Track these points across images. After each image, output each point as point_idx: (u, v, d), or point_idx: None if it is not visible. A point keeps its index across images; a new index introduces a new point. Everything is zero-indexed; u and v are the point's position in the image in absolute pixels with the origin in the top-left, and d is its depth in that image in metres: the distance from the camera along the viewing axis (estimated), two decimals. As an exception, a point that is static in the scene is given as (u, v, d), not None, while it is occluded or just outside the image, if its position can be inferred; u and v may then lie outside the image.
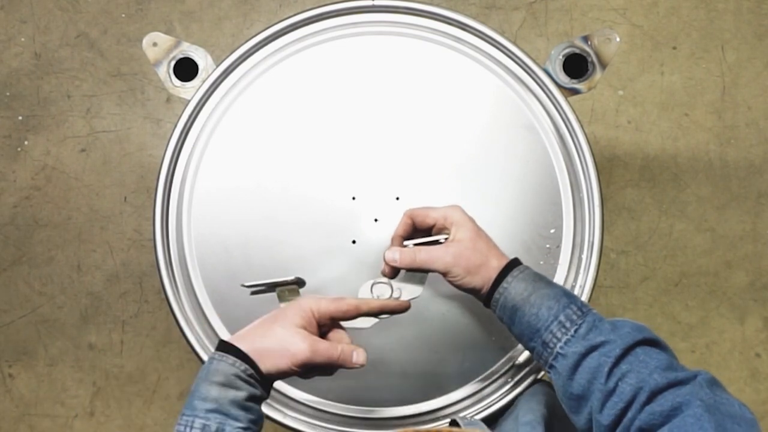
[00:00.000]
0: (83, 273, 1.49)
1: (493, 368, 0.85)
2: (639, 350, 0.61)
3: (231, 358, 0.62)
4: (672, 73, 1.54)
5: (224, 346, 0.63)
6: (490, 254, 0.71)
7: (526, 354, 0.85)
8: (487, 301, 0.72)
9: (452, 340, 0.85)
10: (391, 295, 0.73)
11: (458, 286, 0.72)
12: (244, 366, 0.62)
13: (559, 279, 0.86)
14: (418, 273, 0.74)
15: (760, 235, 1.51)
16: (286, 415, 0.84)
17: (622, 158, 1.52)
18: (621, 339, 0.62)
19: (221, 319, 0.86)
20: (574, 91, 0.90)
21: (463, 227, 0.72)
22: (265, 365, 0.63)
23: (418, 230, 0.75)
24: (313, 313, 0.66)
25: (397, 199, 0.86)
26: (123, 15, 1.54)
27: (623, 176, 1.52)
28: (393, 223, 0.86)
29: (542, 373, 0.84)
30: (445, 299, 0.85)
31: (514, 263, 0.71)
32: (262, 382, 0.64)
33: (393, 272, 0.74)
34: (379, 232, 0.86)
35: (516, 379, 0.85)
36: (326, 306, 0.67)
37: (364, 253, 0.85)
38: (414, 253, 0.72)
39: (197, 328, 0.86)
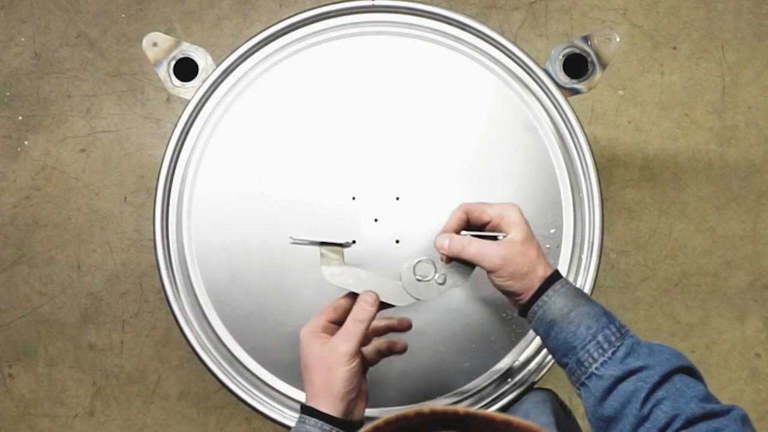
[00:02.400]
0: (83, 273, 1.49)
1: (494, 368, 0.85)
2: (676, 378, 0.61)
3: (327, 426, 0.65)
4: (672, 73, 1.54)
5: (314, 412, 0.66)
6: (538, 262, 0.69)
7: (526, 354, 0.85)
8: (523, 312, 0.71)
9: (453, 340, 0.85)
10: (432, 278, 0.71)
11: (498, 286, 0.70)
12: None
13: (559, 279, 0.86)
14: (463, 266, 0.72)
15: (760, 235, 1.51)
16: (285, 415, 0.84)
17: (622, 158, 1.52)
18: (660, 366, 0.61)
19: (221, 319, 0.86)
20: (574, 91, 0.90)
21: (518, 228, 0.70)
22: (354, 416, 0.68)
23: (472, 227, 0.74)
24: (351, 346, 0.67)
25: (397, 199, 0.86)
26: (123, 15, 1.54)
27: (623, 176, 1.52)
28: (393, 223, 0.86)
29: (542, 373, 0.84)
30: (446, 300, 0.85)
31: (557, 275, 0.70)
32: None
33: (445, 259, 0.73)
34: (379, 232, 0.86)
35: (516, 379, 0.85)
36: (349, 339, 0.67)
37: (365, 253, 0.85)
38: (465, 244, 0.70)
39: (197, 328, 0.86)
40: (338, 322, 0.70)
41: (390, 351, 0.75)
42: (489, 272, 0.70)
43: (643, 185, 1.51)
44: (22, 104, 1.52)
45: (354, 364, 0.65)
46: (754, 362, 1.49)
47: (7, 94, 1.53)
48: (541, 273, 0.69)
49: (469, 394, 0.85)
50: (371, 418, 0.84)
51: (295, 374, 0.83)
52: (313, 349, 0.66)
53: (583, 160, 0.87)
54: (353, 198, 0.86)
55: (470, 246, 0.69)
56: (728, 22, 1.54)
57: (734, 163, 1.52)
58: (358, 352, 0.67)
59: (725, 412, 0.58)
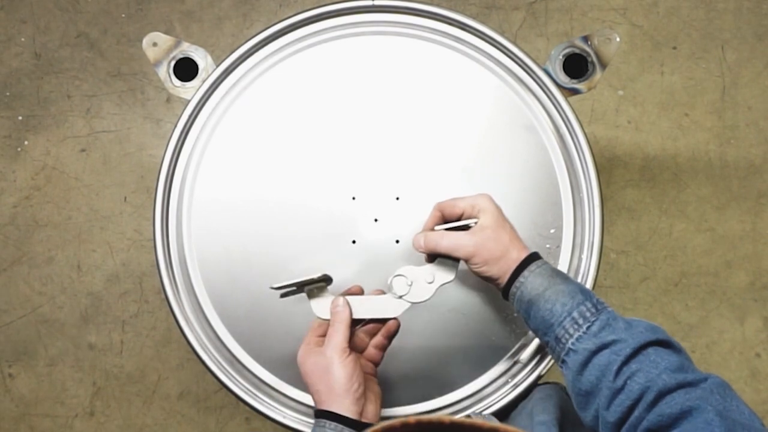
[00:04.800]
0: (83, 273, 1.49)
1: (494, 368, 0.85)
2: (651, 350, 0.61)
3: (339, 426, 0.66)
4: (672, 73, 1.54)
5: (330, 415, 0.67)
6: (511, 245, 0.71)
7: (527, 354, 0.85)
8: (505, 294, 0.72)
9: (453, 340, 0.85)
10: (420, 279, 0.74)
11: (477, 273, 0.73)
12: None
13: (559, 279, 0.86)
14: (449, 261, 0.75)
15: (760, 235, 1.51)
16: (285, 415, 0.84)
17: (622, 158, 1.52)
18: (633, 338, 0.62)
19: (221, 319, 0.86)
20: (574, 91, 0.89)
21: (488, 214, 0.73)
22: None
23: (448, 222, 0.76)
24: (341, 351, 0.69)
25: (397, 199, 0.86)
26: (123, 15, 1.54)
27: (623, 176, 1.52)
28: (393, 223, 0.86)
29: (545, 371, 0.84)
30: (446, 300, 0.85)
31: (533, 257, 0.71)
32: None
33: (427, 257, 0.76)
34: (379, 232, 0.86)
35: (516, 379, 0.85)
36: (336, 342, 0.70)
37: (364, 253, 0.85)
38: (438, 239, 0.73)
39: (197, 328, 0.86)
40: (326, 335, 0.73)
41: (388, 337, 0.76)
42: (465, 261, 0.72)
43: (643, 185, 1.51)
44: (22, 104, 1.52)
45: (347, 358, 0.68)
46: (754, 362, 1.49)
47: (7, 94, 1.53)
48: (515, 255, 0.71)
49: (469, 394, 0.85)
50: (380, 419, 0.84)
51: (295, 374, 0.83)
52: (310, 362, 0.69)
53: (583, 160, 0.87)
54: (353, 198, 0.86)
55: (443, 239, 0.72)
56: (728, 22, 1.55)
57: (734, 163, 1.52)
58: (349, 350, 0.69)
59: (700, 382, 0.58)
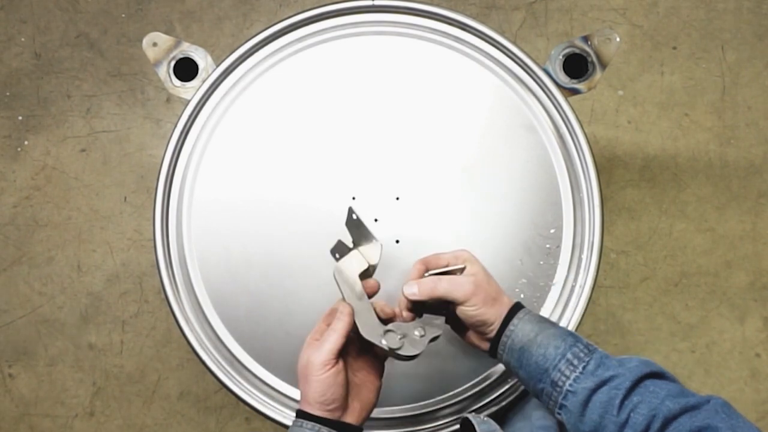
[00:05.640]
0: (83, 273, 1.49)
1: (493, 368, 0.85)
2: (648, 382, 0.62)
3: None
4: (672, 73, 1.54)
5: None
6: (501, 291, 0.73)
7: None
8: (493, 348, 0.72)
9: (453, 341, 0.85)
10: (411, 335, 0.71)
11: (471, 318, 0.71)
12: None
13: (559, 279, 0.86)
14: (435, 316, 0.73)
15: (760, 235, 1.51)
16: (285, 415, 0.84)
17: (622, 158, 1.52)
18: (629, 372, 0.62)
19: (221, 319, 0.86)
20: (574, 91, 0.90)
21: (473, 263, 0.73)
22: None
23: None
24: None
25: (397, 199, 0.86)
26: (123, 15, 1.54)
27: (623, 176, 1.52)
28: (393, 223, 0.86)
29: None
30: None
31: (519, 305, 0.72)
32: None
33: (413, 310, 0.73)
34: (379, 233, 0.86)
35: (515, 379, 0.85)
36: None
37: (364, 253, 0.85)
38: (435, 281, 0.71)
39: (197, 328, 0.86)
40: None
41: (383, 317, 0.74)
42: (461, 304, 0.70)
43: (643, 185, 1.51)
44: (22, 104, 1.52)
45: (328, 375, 0.66)
46: (754, 362, 1.49)
47: (7, 94, 1.53)
48: (507, 300, 0.72)
49: (469, 394, 0.85)
50: (371, 418, 0.84)
51: (295, 374, 0.83)
52: (303, 357, 0.68)
53: (583, 160, 0.87)
54: (353, 198, 0.86)
55: (440, 282, 0.71)
56: (728, 22, 1.55)
57: (734, 163, 1.52)
58: (333, 360, 0.66)
59: (702, 404, 0.58)
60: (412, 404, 0.85)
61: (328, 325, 0.70)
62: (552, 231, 0.87)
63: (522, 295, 0.85)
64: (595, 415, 0.62)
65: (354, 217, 0.72)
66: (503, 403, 0.84)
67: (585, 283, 0.85)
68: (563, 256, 0.86)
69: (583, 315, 0.85)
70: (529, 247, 0.86)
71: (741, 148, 1.52)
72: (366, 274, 0.73)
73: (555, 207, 0.87)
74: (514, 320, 0.70)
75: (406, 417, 0.85)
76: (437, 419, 0.85)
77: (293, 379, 0.85)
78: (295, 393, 0.85)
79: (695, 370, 1.49)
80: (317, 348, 0.67)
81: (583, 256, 0.86)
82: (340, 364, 0.67)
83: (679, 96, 1.53)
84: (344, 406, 0.68)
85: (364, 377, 0.71)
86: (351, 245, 0.73)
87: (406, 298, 0.72)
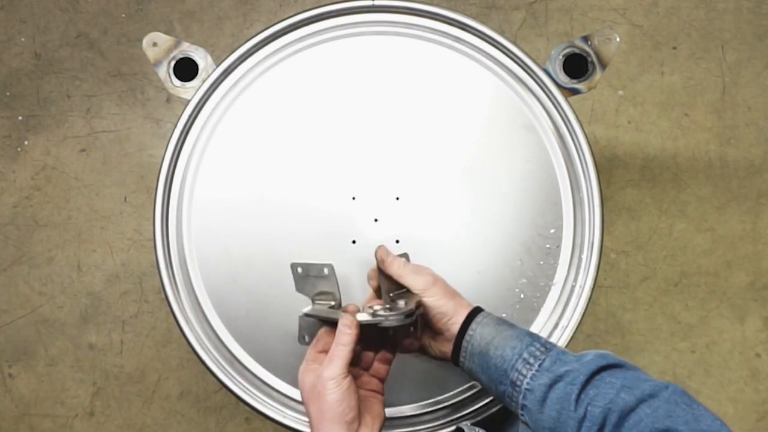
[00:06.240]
0: (83, 273, 1.49)
1: (493, 368, 0.85)
2: (604, 374, 0.61)
3: None
4: (672, 73, 1.54)
5: None
6: (460, 295, 0.75)
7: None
8: (455, 355, 0.72)
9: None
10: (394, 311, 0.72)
11: (432, 308, 0.72)
12: None
13: (559, 279, 0.86)
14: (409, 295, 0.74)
15: (760, 235, 1.51)
16: (285, 415, 0.84)
17: (622, 158, 1.52)
18: (584, 366, 0.62)
19: (221, 319, 0.86)
20: (574, 91, 0.89)
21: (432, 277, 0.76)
22: None
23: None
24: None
25: (397, 199, 0.86)
26: (123, 15, 1.54)
27: (623, 176, 1.52)
28: (393, 223, 0.86)
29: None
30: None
31: (479, 309, 0.73)
32: None
33: (381, 280, 0.76)
34: (379, 232, 0.86)
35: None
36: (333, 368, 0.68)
37: (364, 253, 0.85)
38: (400, 263, 0.75)
39: (197, 328, 0.86)
40: (327, 351, 0.70)
41: (392, 350, 0.75)
42: (422, 292, 0.72)
43: (643, 185, 1.51)
44: (22, 104, 1.52)
45: (343, 381, 0.65)
46: (754, 362, 1.49)
47: (7, 94, 1.53)
48: (466, 303, 0.73)
49: (469, 394, 0.85)
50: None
51: (295, 374, 0.83)
52: (306, 383, 0.67)
53: (583, 160, 0.87)
54: (353, 198, 0.86)
55: (406, 265, 0.75)
56: (728, 22, 1.55)
57: (734, 163, 1.52)
58: (346, 372, 0.66)
59: (659, 391, 0.57)
60: (413, 404, 0.85)
61: (320, 351, 0.70)
62: (552, 231, 0.87)
63: (522, 295, 0.85)
64: (554, 412, 0.62)
65: (299, 270, 0.74)
66: (499, 405, 0.84)
67: (585, 283, 0.85)
68: (563, 256, 0.86)
69: (583, 315, 0.85)
70: (529, 247, 0.86)
71: (741, 148, 1.52)
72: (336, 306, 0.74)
73: (555, 207, 0.87)
74: (473, 325, 0.70)
75: (402, 417, 0.85)
76: (435, 420, 0.85)
77: (293, 379, 0.85)
78: (295, 393, 0.85)
79: (695, 370, 1.49)
80: (326, 365, 0.66)
81: (583, 256, 0.86)
82: (350, 377, 0.67)
83: (679, 96, 1.53)
84: (359, 419, 0.67)
85: (367, 393, 0.71)
86: (310, 306, 0.75)
87: (378, 258, 0.75)
